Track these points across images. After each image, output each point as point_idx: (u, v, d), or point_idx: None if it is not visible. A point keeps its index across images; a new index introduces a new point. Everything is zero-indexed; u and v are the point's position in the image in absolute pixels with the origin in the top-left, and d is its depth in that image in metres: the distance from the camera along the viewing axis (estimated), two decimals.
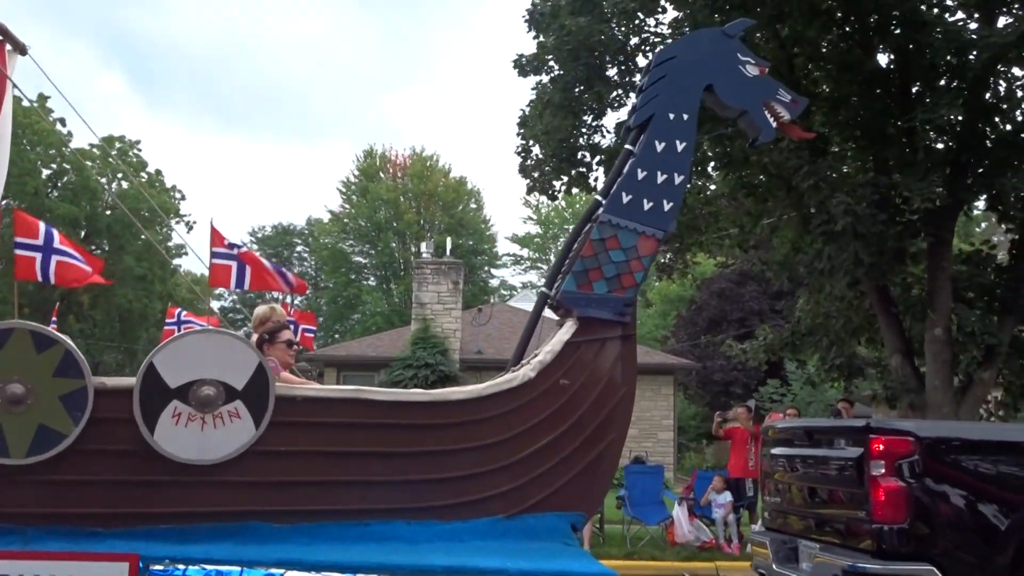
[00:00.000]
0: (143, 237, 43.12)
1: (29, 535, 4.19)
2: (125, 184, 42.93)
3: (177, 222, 43.57)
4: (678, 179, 5.17)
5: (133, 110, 78.96)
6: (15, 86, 6.33)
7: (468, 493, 4.68)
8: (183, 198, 45.91)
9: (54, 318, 17.02)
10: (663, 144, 5.16)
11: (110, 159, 39.14)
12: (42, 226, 9.07)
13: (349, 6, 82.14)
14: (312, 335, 14.93)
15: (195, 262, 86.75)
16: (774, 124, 5.39)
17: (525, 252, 57.13)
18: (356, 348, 27.79)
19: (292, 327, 7.93)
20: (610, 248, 5.06)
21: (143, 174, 43.30)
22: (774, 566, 7.37)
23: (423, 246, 29.77)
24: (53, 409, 4.21)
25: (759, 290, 31.39)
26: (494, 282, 55.85)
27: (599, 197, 5.28)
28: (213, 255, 10.48)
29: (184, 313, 15.46)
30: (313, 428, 4.56)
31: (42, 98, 31.15)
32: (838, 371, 14.66)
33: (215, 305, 51.56)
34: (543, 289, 5.34)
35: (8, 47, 7.07)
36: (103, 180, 42.36)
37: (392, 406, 4.69)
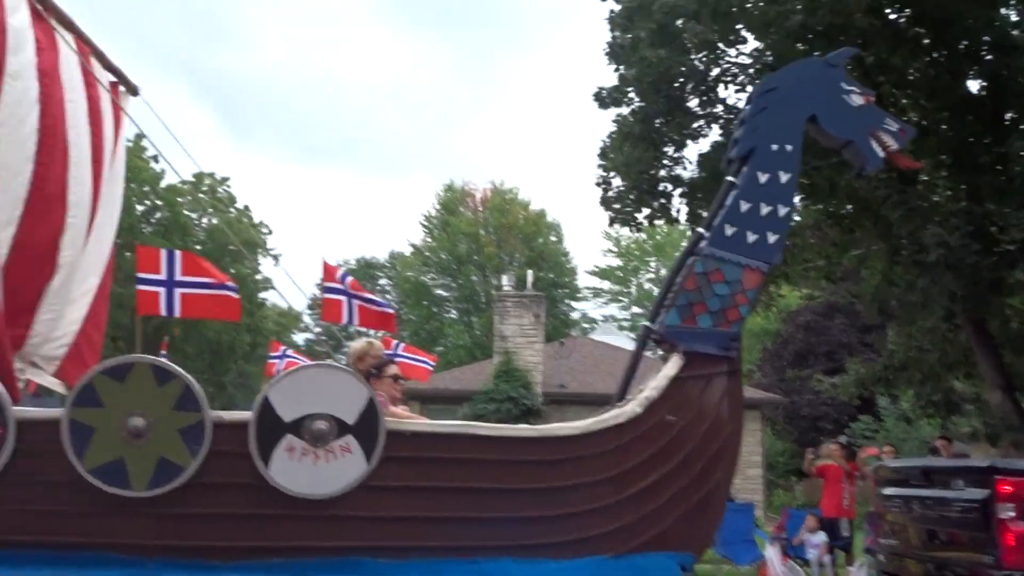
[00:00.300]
0: (232, 271, 44.34)
1: (150, 567, 4.29)
2: (215, 220, 44.17)
3: (264, 256, 44.60)
4: (783, 211, 5.09)
5: (221, 144, 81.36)
6: (137, 128, 6.57)
7: (575, 531, 4.63)
8: (270, 232, 47.03)
9: (163, 351, 17.43)
10: (767, 176, 5.10)
11: (200, 195, 40.33)
12: (163, 256, 9.15)
13: (428, 42, 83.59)
14: (429, 367, 14.93)
15: (281, 295, 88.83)
16: (881, 154, 5.28)
17: (606, 284, 56.86)
18: (439, 381, 27.92)
19: (405, 359, 8.01)
20: (714, 281, 5.00)
21: (232, 209, 44.51)
22: None
23: (504, 279, 29.86)
24: (173, 442, 4.30)
25: (847, 323, 30.64)
26: (575, 315, 55.67)
27: (702, 230, 5.22)
28: (325, 290, 10.68)
29: (289, 349, 15.78)
30: (422, 463, 4.56)
31: (138, 137, 32.37)
32: (934, 407, 14.20)
33: (299, 338, 52.57)
34: (646, 323, 5.29)
35: (121, 88, 7.39)
36: (193, 215, 43.69)
37: (499, 441, 4.69)
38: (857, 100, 5.31)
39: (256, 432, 4.34)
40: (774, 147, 5.13)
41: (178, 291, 9.08)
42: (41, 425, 4.37)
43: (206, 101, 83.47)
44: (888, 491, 7.60)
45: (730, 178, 5.21)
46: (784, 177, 5.12)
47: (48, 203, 6.03)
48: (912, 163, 6.20)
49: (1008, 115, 12.26)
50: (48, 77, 6.01)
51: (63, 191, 6.24)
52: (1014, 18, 12.39)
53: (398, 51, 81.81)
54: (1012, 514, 5.86)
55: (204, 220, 45.04)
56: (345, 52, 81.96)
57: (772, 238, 5.07)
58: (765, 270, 5.08)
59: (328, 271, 10.85)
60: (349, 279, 11.08)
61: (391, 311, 11.59)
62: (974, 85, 12.78)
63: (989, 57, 11.59)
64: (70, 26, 6.58)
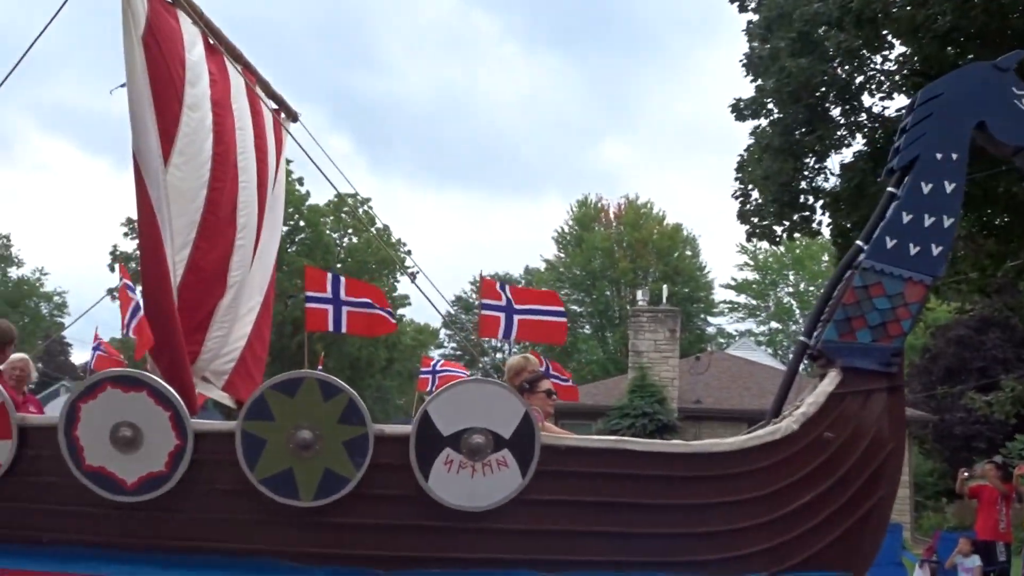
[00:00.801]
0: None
1: (316, 574, 4.49)
2: (355, 240, 45.58)
3: (403, 273, 45.72)
4: (947, 222, 4.93)
5: (359, 169, 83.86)
6: (303, 151, 6.92)
7: (728, 549, 4.61)
8: (409, 252, 48.20)
9: (320, 367, 18.05)
10: (930, 186, 4.94)
11: (344, 215, 41.70)
12: (329, 278, 9.74)
13: (559, 61, 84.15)
14: (567, 384, 15.08)
15: (418, 311, 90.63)
16: None
17: (742, 299, 55.81)
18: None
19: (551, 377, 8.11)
20: (874, 295, 4.87)
21: (373, 229, 45.89)
22: None
23: (639, 294, 29.78)
24: (338, 454, 4.46)
25: (1003, 337, 29.19)
26: (711, 330, 54.83)
27: (860, 243, 5.10)
28: (483, 307, 10.90)
29: (440, 363, 16.15)
30: (577, 478, 4.60)
31: (287, 161, 33.84)
32: None
33: (436, 354, 53.54)
34: (801, 338, 5.22)
35: (282, 115, 7.81)
36: (335, 235, 45.21)
37: (654, 457, 4.69)
38: None
39: (416, 445, 4.45)
40: (939, 156, 4.96)
41: (345, 309, 9.51)
42: (216, 437, 4.60)
43: (345, 125, 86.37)
44: None
45: (891, 188, 5.09)
46: (949, 187, 4.95)
47: (220, 226, 6.40)
48: None
49: None
50: (220, 107, 6.40)
51: (233, 214, 6.62)
52: None
53: (530, 71, 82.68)
54: None
55: (345, 240, 46.51)
56: (478, 74, 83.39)
57: (936, 250, 4.90)
58: (929, 283, 4.91)
59: (486, 286, 11.04)
60: (508, 288, 11.23)
61: (561, 320, 11.53)
62: None
63: None
64: (239, 58, 7.00)
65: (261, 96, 7.27)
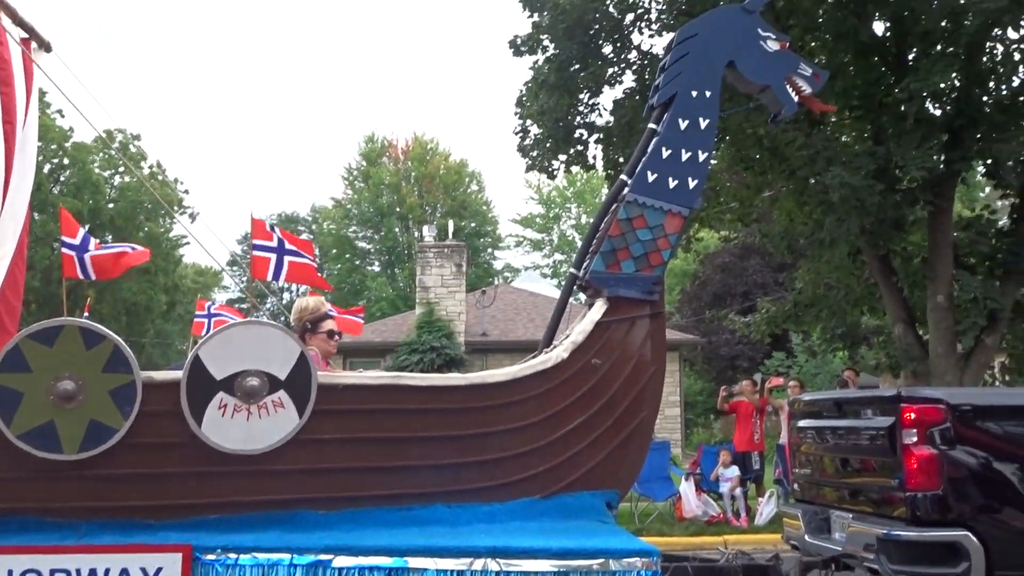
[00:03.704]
0: (146, 229, 43.28)
1: (83, 529, 4.29)
2: (127, 178, 43.00)
3: (181, 213, 43.65)
4: (702, 156, 5.20)
5: (131, 96, 77.94)
6: (54, 85, 6.39)
7: (506, 475, 4.75)
8: (186, 191, 46.05)
9: (86, 313, 17.16)
10: (687, 122, 5.18)
11: (111, 153, 39.20)
12: (82, 231, 9.40)
13: None
14: (360, 321, 14.94)
15: (197, 253, 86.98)
16: (796, 98, 5.38)
17: (528, 233, 57.17)
18: (362, 334, 27.93)
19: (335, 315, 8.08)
20: (637, 227, 5.08)
21: (144, 166, 43.36)
22: (806, 537, 7.37)
23: (425, 230, 29.87)
24: (103, 404, 4.29)
25: (762, 263, 31.45)
26: (498, 264, 55.92)
27: (624, 177, 5.29)
28: (254, 247, 10.61)
29: (215, 306, 15.66)
30: (355, 416, 4.63)
31: (41, 92, 31.24)
32: (840, 340, 14.78)
33: (222, 297, 51.74)
34: (571, 270, 5.37)
35: (34, 44, 7.18)
36: (105, 174, 42.46)
37: (431, 391, 4.76)
38: (773, 46, 5.37)
39: (187, 390, 4.35)
40: (694, 93, 5.20)
41: (87, 255, 9.16)
42: None
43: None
44: (802, 423, 7.94)
45: (652, 125, 5.30)
46: (704, 123, 5.21)
47: None
48: (825, 106, 6.37)
49: (910, 56, 12.65)
50: None
51: None
52: None
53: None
54: (915, 439, 6.16)
55: (116, 178, 43.80)
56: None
57: (692, 183, 5.17)
58: (686, 214, 5.17)
59: (257, 227, 10.78)
60: (279, 230, 11.03)
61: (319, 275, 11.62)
62: (879, 27, 13.15)
63: None
64: None
65: (6, 25, 6.65)
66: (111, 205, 43.14)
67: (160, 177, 43.63)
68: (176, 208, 43.56)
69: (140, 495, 4.39)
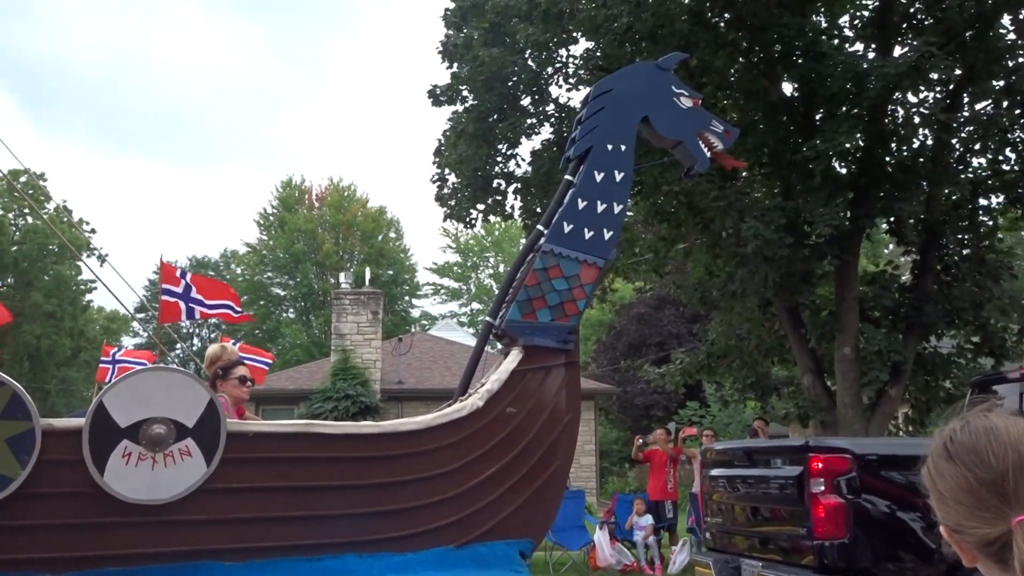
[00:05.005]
0: (50, 272, 41.94)
1: None
2: (31, 219, 41.70)
3: (88, 256, 42.36)
4: (617, 208, 5.30)
5: (23, 134, 75.76)
6: None
7: (420, 524, 4.71)
8: (93, 231, 44.76)
9: None
10: (602, 174, 5.28)
11: (16, 194, 38.00)
12: None
13: (243, 24, 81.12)
14: (265, 367, 14.64)
15: (106, 298, 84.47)
16: (708, 154, 5.53)
17: (445, 281, 57.12)
18: (275, 381, 27.33)
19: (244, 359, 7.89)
20: (553, 277, 5.14)
21: (48, 207, 42.10)
22: None
23: (342, 277, 29.58)
24: (1, 453, 4.12)
25: (677, 314, 31.92)
26: (415, 312, 55.65)
27: (541, 227, 5.34)
28: (163, 292, 10.35)
29: (120, 352, 15.15)
30: (265, 463, 4.53)
31: None
32: (751, 390, 15.03)
33: (130, 343, 50.21)
34: (487, 319, 5.40)
35: None
36: (9, 215, 41.10)
37: (343, 439, 4.69)
38: (686, 102, 5.53)
39: (90, 438, 4.20)
40: (609, 147, 5.32)
41: None
42: None
43: (3, 84, 78.14)
44: (714, 472, 7.99)
45: (568, 176, 5.38)
46: (619, 176, 5.32)
47: None
48: (736, 162, 6.54)
49: (818, 116, 13.11)
50: None
51: None
52: (823, 25, 13.29)
53: (211, 34, 79.08)
54: (823, 488, 6.26)
55: (20, 220, 42.43)
56: (155, 36, 78.16)
57: (608, 234, 5.26)
58: (601, 265, 5.26)
59: (166, 271, 10.53)
60: (189, 275, 10.77)
61: (235, 313, 11.28)
62: (788, 88, 13.60)
63: (800, 61, 12.34)
64: None
65: None
66: (14, 248, 41.71)
67: (65, 219, 42.43)
68: (84, 252, 42.30)
69: (38, 547, 4.22)
